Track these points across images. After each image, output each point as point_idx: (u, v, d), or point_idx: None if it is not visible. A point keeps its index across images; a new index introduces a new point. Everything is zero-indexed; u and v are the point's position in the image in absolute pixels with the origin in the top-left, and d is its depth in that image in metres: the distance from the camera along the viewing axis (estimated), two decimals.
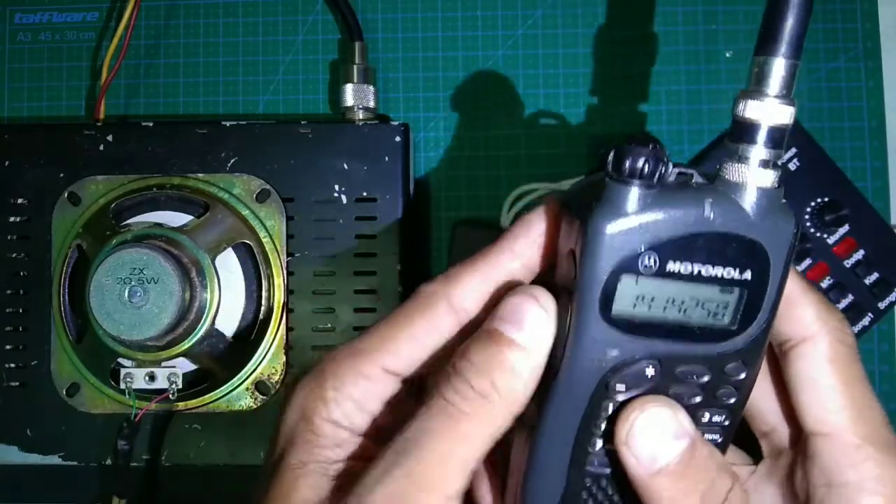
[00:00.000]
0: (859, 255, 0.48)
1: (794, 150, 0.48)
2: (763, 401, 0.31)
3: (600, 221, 0.25)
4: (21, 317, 0.48)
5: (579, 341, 0.27)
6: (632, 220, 0.25)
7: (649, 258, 0.26)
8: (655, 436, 0.27)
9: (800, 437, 0.30)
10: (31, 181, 0.48)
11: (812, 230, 0.48)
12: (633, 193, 0.25)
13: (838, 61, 0.53)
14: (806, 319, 0.28)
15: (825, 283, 0.48)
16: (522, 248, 0.29)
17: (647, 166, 0.25)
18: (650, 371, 0.27)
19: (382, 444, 0.29)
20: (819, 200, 0.48)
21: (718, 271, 0.26)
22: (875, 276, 0.48)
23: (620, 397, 0.28)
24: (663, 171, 0.25)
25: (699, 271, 0.26)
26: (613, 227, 0.25)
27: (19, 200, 0.48)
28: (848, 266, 0.48)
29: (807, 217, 0.48)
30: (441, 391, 0.27)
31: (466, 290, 0.29)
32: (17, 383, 0.48)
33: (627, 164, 0.25)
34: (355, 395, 0.28)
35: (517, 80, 0.54)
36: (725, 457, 0.32)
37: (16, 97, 0.55)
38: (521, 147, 0.53)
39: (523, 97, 0.54)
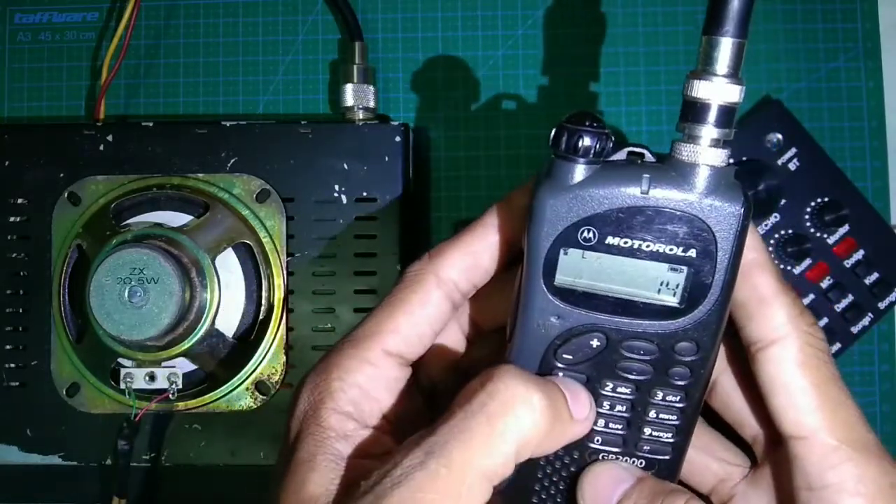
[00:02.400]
0: (859, 255, 0.48)
1: (794, 150, 0.48)
2: (745, 407, 0.31)
3: (541, 195, 0.26)
4: (21, 317, 0.48)
5: (526, 309, 0.28)
6: (571, 194, 0.26)
7: (588, 231, 0.26)
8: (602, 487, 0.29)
9: (780, 442, 0.29)
10: (31, 181, 0.48)
11: (812, 230, 0.48)
12: (573, 168, 0.26)
13: (838, 61, 0.53)
14: (776, 321, 0.28)
15: (825, 283, 0.48)
16: (503, 223, 0.30)
17: (582, 142, 0.25)
18: (595, 342, 0.28)
19: (390, 437, 0.29)
20: (819, 200, 0.48)
21: (660, 247, 0.26)
22: (875, 276, 0.48)
23: (565, 366, 0.28)
24: (599, 147, 0.26)
25: (639, 246, 0.26)
26: (553, 201, 0.26)
27: (19, 200, 0.48)
28: (848, 266, 0.48)
29: (807, 217, 0.48)
30: (474, 398, 0.26)
31: (452, 264, 0.30)
32: (17, 383, 0.48)
33: (565, 140, 0.26)
34: (360, 382, 0.29)
35: (517, 80, 0.54)
36: (722, 455, 0.32)
37: (16, 97, 0.55)
38: (521, 147, 0.53)
39: (523, 97, 0.54)
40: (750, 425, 0.31)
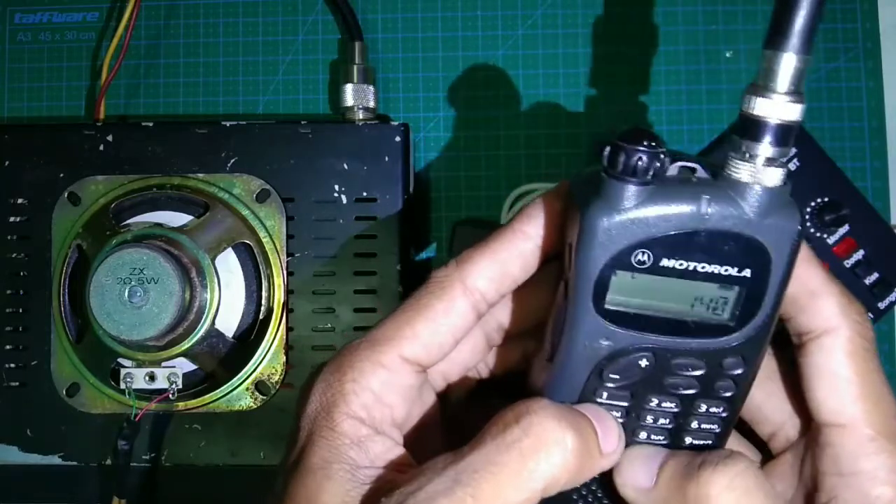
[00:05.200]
0: (859, 255, 0.48)
1: (794, 149, 0.48)
2: (767, 403, 0.31)
3: (594, 217, 0.25)
4: (21, 317, 0.48)
5: (573, 331, 0.27)
6: (626, 217, 0.25)
7: (643, 254, 0.26)
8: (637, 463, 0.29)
9: (808, 431, 0.30)
10: (31, 181, 0.48)
11: (812, 230, 0.48)
12: (628, 190, 0.25)
13: (838, 61, 0.53)
14: (827, 312, 0.28)
15: None
16: (535, 230, 0.29)
17: (640, 163, 0.24)
18: (643, 362, 0.28)
19: (401, 445, 0.28)
20: (819, 200, 0.48)
21: (715, 268, 0.26)
22: (875, 276, 0.48)
23: (612, 385, 0.28)
24: (658, 166, 0.25)
25: (695, 268, 0.26)
26: (607, 223, 0.25)
27: (19, 200, 0.48)
28: (848, 266, 0.48)
29: (807, 217, 0.48)
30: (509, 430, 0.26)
31: (480, 272, 0.29)
32: (17, 383, 0.48)
33: (622, 161, 0.25)
34: (374, 387, 0.28)
35: (517, 80, 0.54)
36: (737, 448, 0.32)
37: (16, 97, 0.55)
38: (521, 147, 0.53)
39: (523, 97, 0.54)
40: (769, 422, 0.31)
